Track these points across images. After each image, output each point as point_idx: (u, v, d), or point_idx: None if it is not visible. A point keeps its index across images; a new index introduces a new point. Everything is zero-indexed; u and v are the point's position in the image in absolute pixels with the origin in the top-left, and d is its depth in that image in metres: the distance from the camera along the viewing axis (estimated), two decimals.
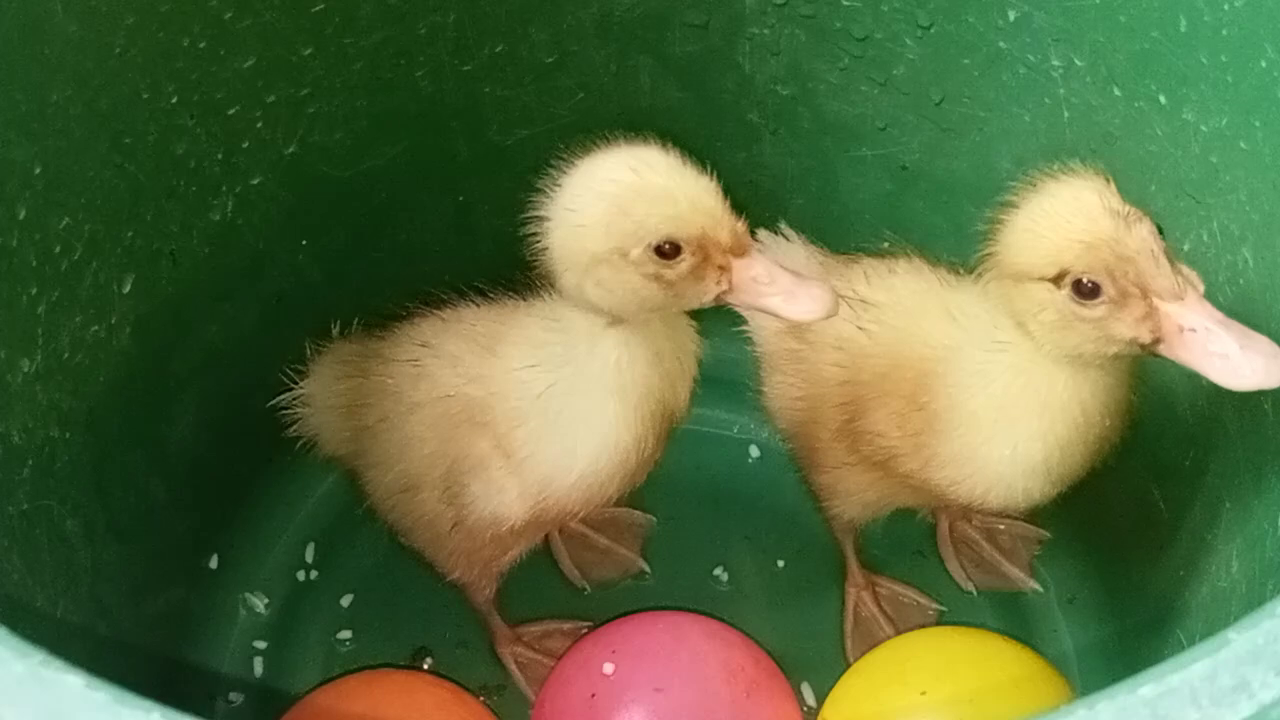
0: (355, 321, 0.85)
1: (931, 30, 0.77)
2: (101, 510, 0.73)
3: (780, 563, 0.91)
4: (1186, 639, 0.74)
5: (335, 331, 0.85)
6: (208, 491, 0.86)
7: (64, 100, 0.63)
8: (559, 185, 0.62)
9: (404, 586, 0.89)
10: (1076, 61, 0.72)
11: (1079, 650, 0.87)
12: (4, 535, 0.63)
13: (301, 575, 0.91)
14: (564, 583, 0.90)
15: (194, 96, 0.71)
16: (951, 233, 0.71)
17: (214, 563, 0.89)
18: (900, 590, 0.89)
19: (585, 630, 0.85)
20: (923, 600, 0.89)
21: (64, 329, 0.68)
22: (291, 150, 0.79)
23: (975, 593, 0.89)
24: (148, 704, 0.38)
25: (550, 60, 0.83)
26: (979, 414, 0.68)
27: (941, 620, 0.88)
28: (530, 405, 0.70)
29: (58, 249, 0.66)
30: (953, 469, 0.71)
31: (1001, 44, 0.75)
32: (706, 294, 0.61)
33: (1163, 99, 0.69)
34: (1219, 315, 0.57)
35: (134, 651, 0.78)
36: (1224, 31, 0.63)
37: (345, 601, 0.90)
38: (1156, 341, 0.58)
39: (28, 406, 0.65)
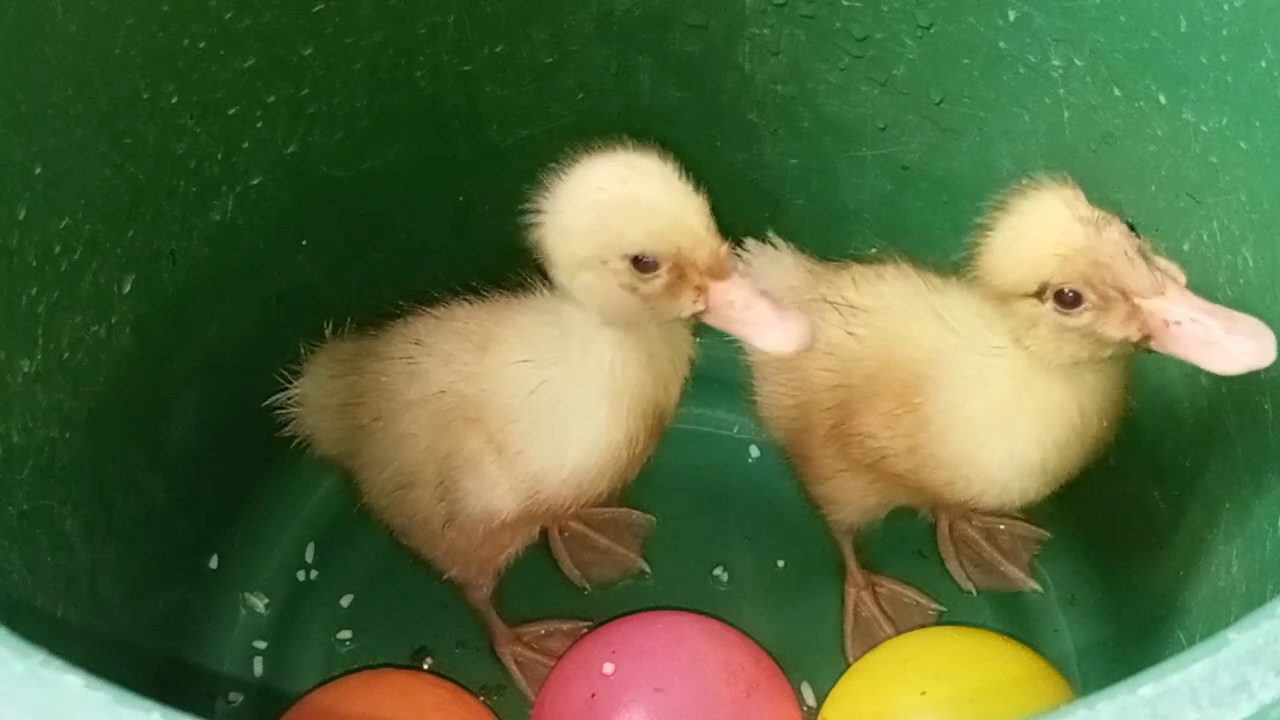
0: (349, 320, 0.85)
1: (931, 30, 0.77)
2: (101, 510, 0.73)
3: (780, 563, 0.91)
4: (1186, 639, 0.74)
5: (329, 331, 0.85)
6: (208, 491, 0.86)
7: (64, 100, 0.63)
8: (557, 183, 0.63)
9: (404, 586, 0.89)
10: (1076, 61, 0.72)
11: (1079, 650, 0.87)
12: (4, 535, 0.63)
13: (301, 575, 0.91)
14: (564, 583, 0.90)
15: (194, 96, 0.71)
16: (951, 233, 0.71)
17: (214, 563, 0.89)
18: (900, 590, 0.89)
19: (585, 630, 0.85)
20: (923, 600, 0.89)
21: (64, 329, 0.68)
22: (291, 150, 0.79)
23: (975, 593, 0.89)
24: (148, 704, 0.38)
25: (550, 60, 0.83)
26: (976, 418, 0.69)
27: (941, 620, 0.88)
28: (522, 402, 0.70)
29: (58, 249, 0.66)
30: (949, 470, 0.71)
31: (1001, 44, 0.75)
32: (683, 311, 0.61)
33: (1163, 99, 0.69)
34: (1202, 304, 0.57)
35: (134, 651, 0.78)
36: (1224, 31, 0.63)
37: (345, 601, 0.90)
38: (1147, 338, 0.58)
39: (28, 406, 0.65)
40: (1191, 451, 0.75)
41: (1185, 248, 0.70)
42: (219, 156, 0.76)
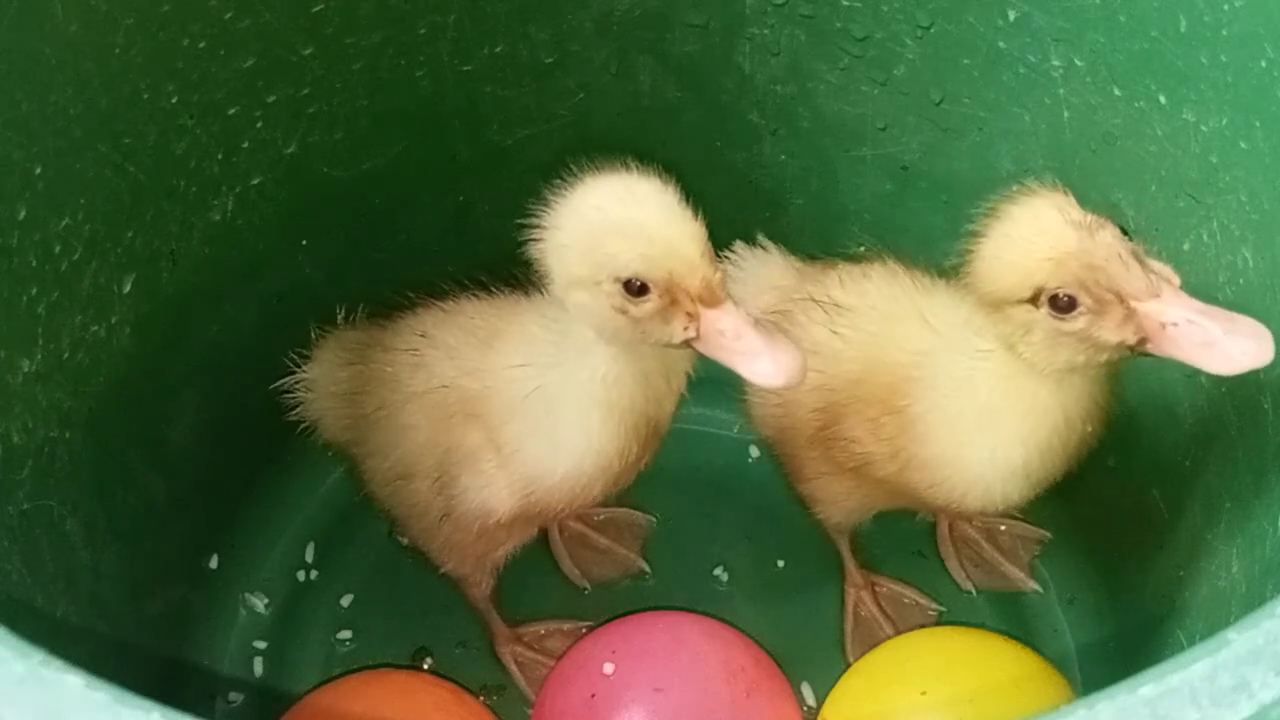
0: (359, 309, 0.85)
1: (931, 30, 0.77)
2: (101, 510, 0.73)
3: (780, 563, 0.91)
4: (1186, 639, 0.73)
5: (340, 318, 0.85)
6: (208, 491, 0.86)
7: (64, 100, 0.63)
8: (557, 200, 0.63)
9: (404, 586, 0.89)
10: (1076, 61, 0.72)
11: (1079, 650, 0.87)
12: (4, 535, 0.63)
13: (301, 575, 0.91)
14: (564, 583, 0.90)
15: (194, 96, 0.71)
16: (951, 233, 0.71)
17: (214, 563, 0.89)
18: (900, 590, 0.89)
19: (585, 630, 0.85)
20: (922, 600, 0.89)
21: (64, 329, 0.68)
22: (291, 150, 0.79)
23: (975, 593, 0.89)
24: (148, 704, 0.38)
25: (550, 60, 0.83)
26: (960, 419, 0.69)
27: (941, 620, 0.88)
28: (519, 404, 0.70)
29: (58, 249, 0.66)
30: (931, 471, 0.71)
31: (1001, 44, 0.75)
32: (674, 337, 0.61)
33: (1163, 99, 0.69)
34: (1198, 305, 0.57)
35: (134, 651, 0.78)
36: (1224, 31, 0.63)
37: (345, 601, 0.90)
38: (1143, 341, 0.58)
39: (28, 406, 0.65)
40: (1191, 451, 0.75)
41: (1185, 248, 0.70)
42: (219, 156, 0.76)
